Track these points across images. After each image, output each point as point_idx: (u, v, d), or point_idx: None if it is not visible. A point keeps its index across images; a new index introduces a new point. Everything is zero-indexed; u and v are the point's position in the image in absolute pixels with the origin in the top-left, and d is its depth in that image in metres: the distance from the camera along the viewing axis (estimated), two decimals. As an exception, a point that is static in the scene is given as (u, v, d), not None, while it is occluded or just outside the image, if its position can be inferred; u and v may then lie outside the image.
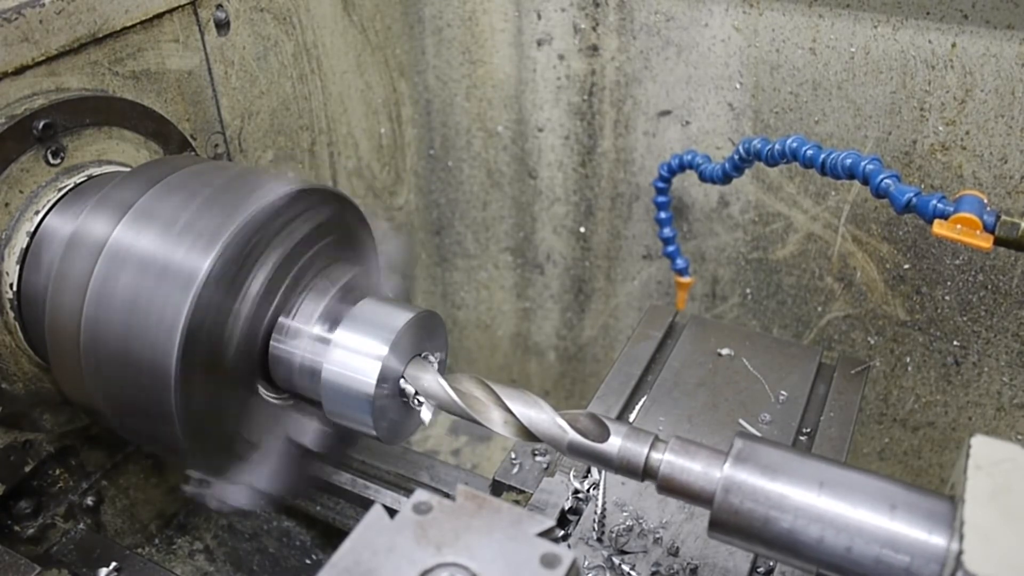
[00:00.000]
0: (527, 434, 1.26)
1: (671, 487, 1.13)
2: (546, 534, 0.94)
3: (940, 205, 1.53)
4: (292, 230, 1.38)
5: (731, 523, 1.07)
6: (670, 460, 1.13)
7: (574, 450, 1.22)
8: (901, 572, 0.98)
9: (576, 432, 1.21)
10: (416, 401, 1.35)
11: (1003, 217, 1.50)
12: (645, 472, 1.16)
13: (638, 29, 2.08)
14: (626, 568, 1.32)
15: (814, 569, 1.06)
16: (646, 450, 1.16)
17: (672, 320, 1.84)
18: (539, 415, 1.25)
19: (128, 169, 1.55)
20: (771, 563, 1.34)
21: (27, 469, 1.61)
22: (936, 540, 0.97)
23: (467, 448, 2.63)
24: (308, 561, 1.88)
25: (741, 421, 1.56)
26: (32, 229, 1.45)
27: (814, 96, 1.94)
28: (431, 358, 1.40)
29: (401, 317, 1.37)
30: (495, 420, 1.29)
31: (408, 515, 0.95)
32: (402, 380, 1.37)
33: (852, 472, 1.06)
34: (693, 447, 1.14)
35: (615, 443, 1.18)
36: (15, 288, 1.45)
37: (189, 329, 1.24)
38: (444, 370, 1.43)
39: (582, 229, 2.45)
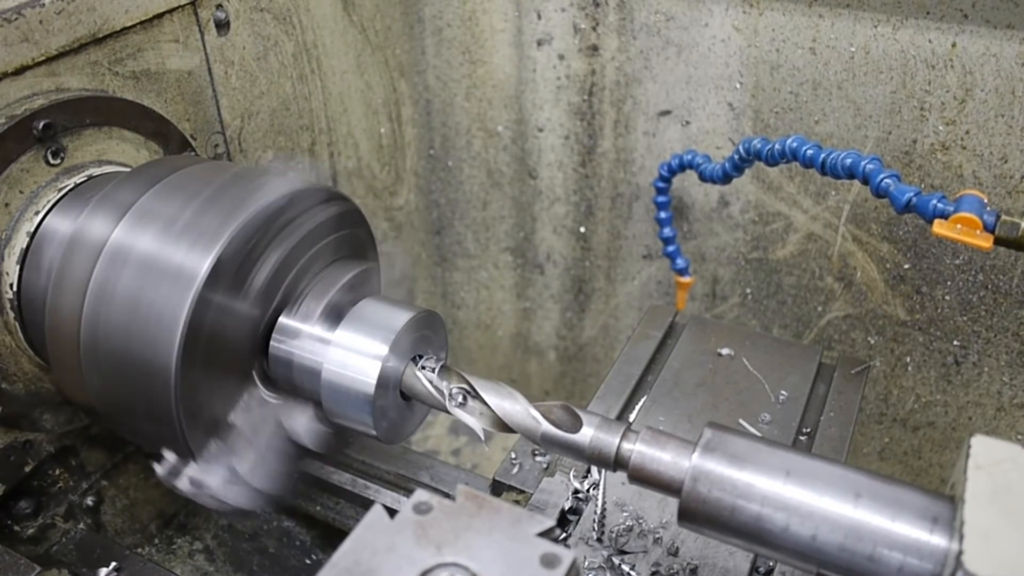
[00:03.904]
0: (501, 425, 1.28)
1: (641, 477, 1.14)
2: (546, 534, 0.94)
3: (940, 205, 1.53)
4: (292, 230, 1.38)
5: (700, 512, 1.08)
6: (640, 450, 1.14)
7: (547, 441, 1.23)
8: (864, 560, 0.99)
9: (549, 423, 1.22)
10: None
11: (1003, 217, 1.50)
12: (616, 462, 1.17)
13: (638, 29, 2.08)
14: (626, 568, 1.32)
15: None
16: (617, 440, 1.17)
17: (672, 320, 1.84)
18: (513, 406, 1.26)
19: (128, 169, 1.55)
20: (771, 563, 1.34)
21: (27, 469, 1.61)
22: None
23: (467, 448, 2.63)
24: (308, 561, 1.88)
25: (741, 421, 1.56)
26: (32, 229, 1.45)
27: (814, 96, 1.94)
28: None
29: (401, 317, 1.37)
30: (471, 412, 1.30)
31: (408, 515, 0.95)
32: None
33: (820, 462, 1.07)
34: (663, 437, 1.15)
35: (587, 433, 1.19)
36: (15, 288, 1.45)
37: (189, 329, 1.24)
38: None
39: (582, 229, 2.45)
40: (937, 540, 0.96)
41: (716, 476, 1.07)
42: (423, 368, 1.37)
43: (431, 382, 1.35)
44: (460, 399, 1.32)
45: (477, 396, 1.30)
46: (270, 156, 2.04)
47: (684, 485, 1.08)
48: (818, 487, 1.03)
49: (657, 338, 1.79)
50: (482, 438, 1.32)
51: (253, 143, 1.99)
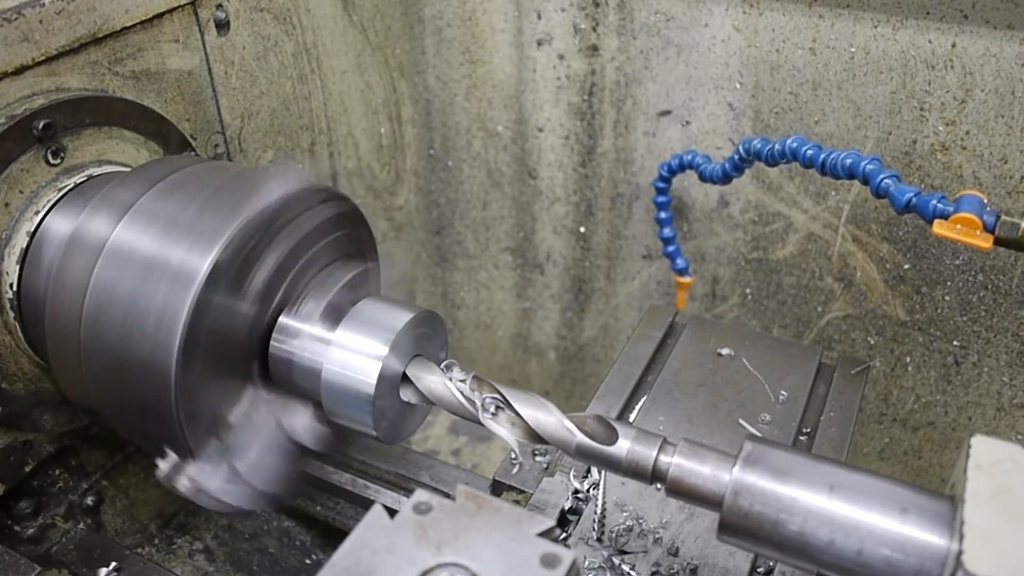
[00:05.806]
0: (535, 437, 1.26)
1: (680, 490, 1.13)
2: (546, 534, 0.93)
3: (940, 205, 1.53)
4: (292, 230, 1.38)
5: (741, 526, 1.07)
6: (679, 463, 1.13)
7: (582, 453, 1.21)
8: (910, 575, 0.98)
9: (584, 435, 1.21)
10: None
11: (1003, 217, 1.50)
12: (654, 475, 1.15)
13: (638, 29, 2.08)
14: (626, 568, 1.32)
15: (818, 571, 1.06)
16: (655, 453, 1.15)
17: (672, 320, 1.84)
18: (547, 418, 1.25)
19: (128, 169, 1.55)
20: (771, 563, 1.34)
21: (27, 469, 1.61)
22: (937, 540, 0.97)
23: (467, 448, 2.63)
24: (308, 561, 1.88)
25: (741, 421, 1.56)
26: (32, 229, 1.45)
27: (814, 96, 1.94)
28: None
29: (401, 317, 1.37)
30: (502, 423, 1.29)
31: (408, 515, 0.95)
32: (406, 380, 1.37)
33: (862, 475, 1.06)
34: (702, 450, 1.13)
35: (623, 446, 1.17)
36: (15, 288, 1.45)
37: (189, 329, 1.24)
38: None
39: (582, 229, 2.45)
40: None
41: (758, 490, 1.05)
42: (451, 379, 1.36)
43: (462, 392, 1.33)
44: (492, 410, 1.31)
45: (509, 407, 1.29)
46: (270, 156, 2.05)
47: (725, 499, 1.07)
48: (863, 501, 1.02)
49: (657, 338, 1.79)
50: (516, 450, 1.30)
51: (253, 143, 1.99)
